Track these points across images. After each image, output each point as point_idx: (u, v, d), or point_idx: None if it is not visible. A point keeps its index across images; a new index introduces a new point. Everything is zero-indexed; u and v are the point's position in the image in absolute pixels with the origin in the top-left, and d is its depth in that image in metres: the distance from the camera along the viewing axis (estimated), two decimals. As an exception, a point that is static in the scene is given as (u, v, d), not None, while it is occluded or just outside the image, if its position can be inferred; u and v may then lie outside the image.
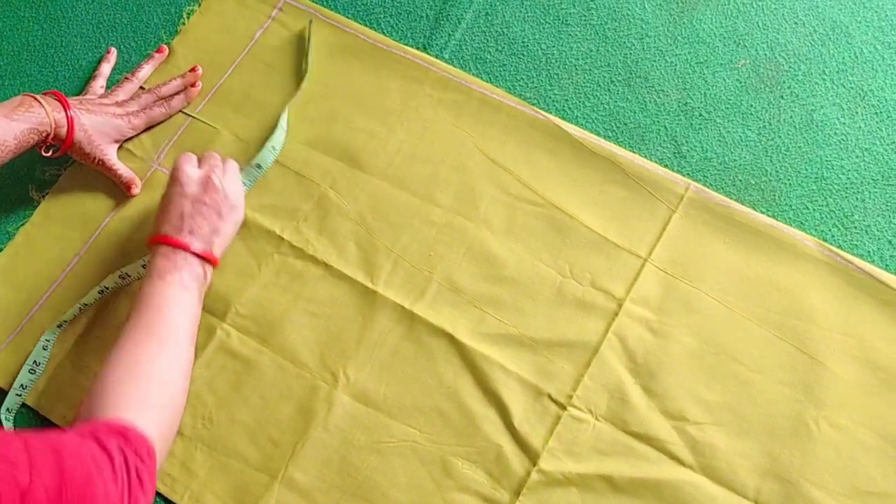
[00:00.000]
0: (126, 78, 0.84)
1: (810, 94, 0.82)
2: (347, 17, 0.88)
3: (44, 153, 0.77)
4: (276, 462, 0.71)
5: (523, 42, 0.86)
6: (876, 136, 0.79)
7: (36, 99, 0.74)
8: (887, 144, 0.79)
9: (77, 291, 0.78)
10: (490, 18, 0.87)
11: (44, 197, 0.83)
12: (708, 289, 0.74)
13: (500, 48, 0.86)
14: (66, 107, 0.76)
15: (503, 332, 0.74)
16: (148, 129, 0.84)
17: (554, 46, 0.86)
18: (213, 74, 0.87)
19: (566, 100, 0.83)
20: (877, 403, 0.70)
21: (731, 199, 0.77)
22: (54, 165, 0.83)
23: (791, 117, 0.81)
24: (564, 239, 0.77)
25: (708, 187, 0.78)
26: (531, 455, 0.70)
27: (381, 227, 0.79)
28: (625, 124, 0.82)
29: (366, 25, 0.88)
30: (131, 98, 0.83)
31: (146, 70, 0.86)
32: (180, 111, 0.85)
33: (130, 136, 0.82)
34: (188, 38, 0.89)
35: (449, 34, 0.87)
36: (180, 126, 0.84)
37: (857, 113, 0.80)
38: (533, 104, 0.83)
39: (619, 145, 0.80)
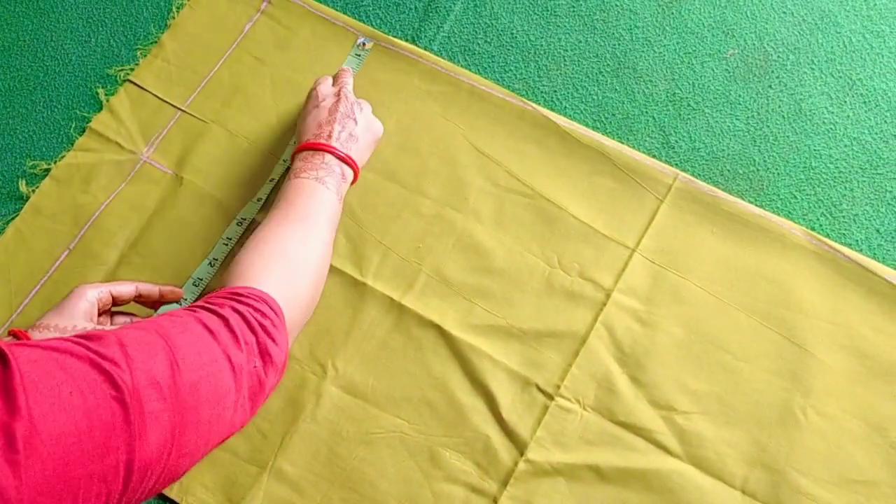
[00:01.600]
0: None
1: (799, 83, 0.81)
2: (336, 10, 0.88)
3: None
4: (264, 454, 0.71)
5: (512, 33, 0.86)
6: (864, 125, 0.79)
7: None
8: (875, 133, 0.79)
9: (67, 286, 0.78)
10: (478, 10, 0.87)
11: (34, 191, 0.83)
12: (696, 278, 0.74)
13: (488, 39, 0.86)
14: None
15: (492, 322, 0.74)
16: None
17: (542, 37, 0.86)
18: (203, 68, 0.87)
19: (555, 91, 0.83)
20: (864, 392, 0.70)
21: (719, 188, 0.77)
22: (44, 160, 0.84)
23: (779, 107, 0.81)
24: (553, 230, 0.77)
25: (696, 177, 0.78)
26: (519, 445, 0.70)
27: (370, 219, 0.79)
28: (613, 115, 0.82)
29: (354, 17, 0.88)
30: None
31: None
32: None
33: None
34: (178, 31, 0.89)
35: (437, 26, 0.87)
36: (170, 120, 0.84)
37: (845, 102, 0.80)
38: (521, 95, 0.83)
39: (608, 136, 0.80)
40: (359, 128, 0.75)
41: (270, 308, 0.56)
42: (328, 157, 0.71)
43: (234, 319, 0.53)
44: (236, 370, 0.51)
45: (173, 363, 0.47)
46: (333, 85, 0.79)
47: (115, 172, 0.82)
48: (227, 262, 0.76)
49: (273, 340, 0.55)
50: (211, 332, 0.51)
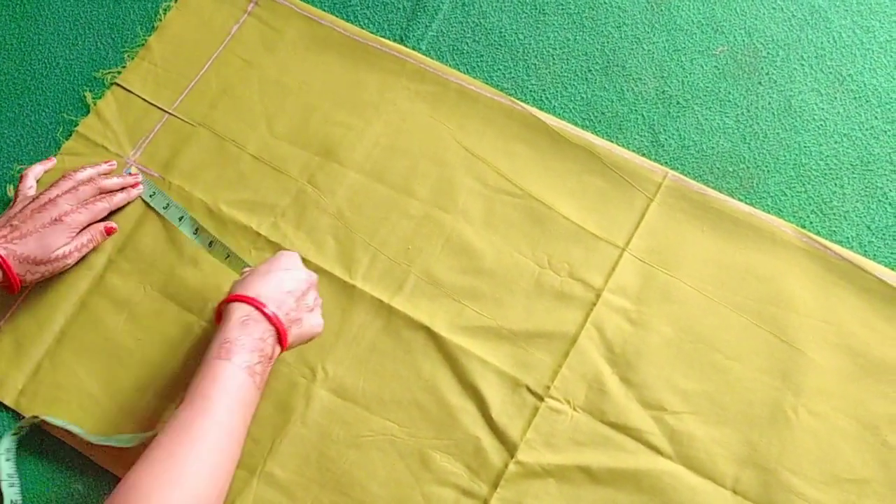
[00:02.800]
0: (63, 176, 0.76)
1: (788, 79, 0.81)
2: (323, 10, 0.88)
3: None
4: (254, 458, 0.71)
5: (500, 32, 0.86)
6: (854, 121, 0.79)
7: None
8: (866, 130, 0.78)
9: (54, 290, 0.77)
10: (466, 9, 0.87)
11: (21, 196, 0.82)
12: (686, 277, 0.74)
13: (476, 39, 0.86)
14: None
15: (481, 324, 0.74)
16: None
17: (531, 36, 0.85)
18: (190, 70, 0.86)
19: (543, 90, 0.83)
20: (855, 390, 0.70)
21: (708, 186, 0.77)
22: (31, 164, 0.83)
23: (769, 104, 0.80)
24: (542, 230, 0.77)
25: (686, 175, 0.78)
26: (509, 447, 0.70)
27: (358, 220, 0.79)
28: (602, 113, 0.81)
29: (341, 18, 0.87)
30: (68, 191, 0.75)
31: (88, 172, 0.78)
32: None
33: (76, 232, 0.74)
34: (165, 34, 0.89)
35: (425, 25, 0.87)
36: (157, 123, 0.84)
37: (835, 98, 0.80)
38: (510, 95, 0.82)
39: (597, 135, 0.80)
40: (309, 319, 0.68)
41: None
42: (264, 324, 0.63)
43: None
44: None
45: None
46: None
47: (102, 176, 0.82)
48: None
49: None
50: None
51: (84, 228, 0.76)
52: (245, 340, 0.62)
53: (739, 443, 0.69)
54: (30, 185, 0.78)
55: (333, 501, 0.69)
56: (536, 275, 0.75)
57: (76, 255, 0.75)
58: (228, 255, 0.77)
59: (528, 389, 0.71)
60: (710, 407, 0.70)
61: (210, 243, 0.77)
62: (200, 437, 0.58)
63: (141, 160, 0.83)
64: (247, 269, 0.74)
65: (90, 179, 0.77)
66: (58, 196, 0.74)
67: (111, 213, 0.79)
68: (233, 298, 0.64)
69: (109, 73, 0.87)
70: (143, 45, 0.88)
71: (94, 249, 0.78)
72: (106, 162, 0.81)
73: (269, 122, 0.83)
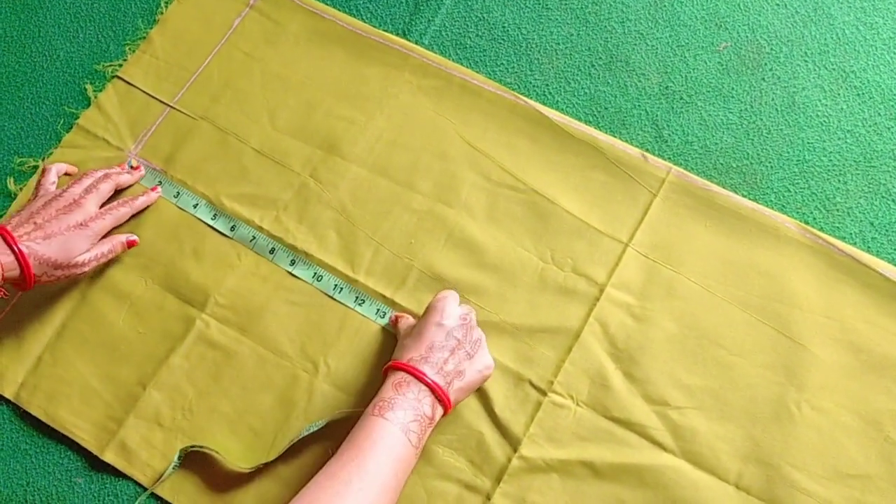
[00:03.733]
0: (85, 174, 0.76)
1: (792, 76, 0.81)
2: (325, 4, 0.87)
3: (4, 295, 0.69)
4: (256, 452, 0.70)
5: (503, 27, 0.85)
6: (858, 117, 0.79)
7: None
8: (869, 126, 0.78)
9: (55, 285, 0.77)
10: (470, 3, 0.87)
11: (21, 189, 0.82)
12: (689, 273, 0.74)
13: (480, 33, 0.85)
14: (12, 243, 0.67)
15: (484, 318, 0.74)
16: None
17: (534, 31, 0.85)
18: (192, 63, 0.86)
19: (547, 85, 0.83)
20: (858, 386, 0.70)
21: (712, 182, 0.77)
22: (32, 157, 0.83)
23: (773, 100, 0.80)
24: (546, 225, 0.77)
25: (689, 171, 0.78)
26: (512, 441, 0.70)
27: (361, 215, 0.78)
28: (606, 109, 0.81)
29: (344, 12, 0.87)
30: (90, 190, 0.74)
31: (107, 172, 0.78)
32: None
33: (98, 238, 0.74)
34: (166, 27, 0.88)
35: (428, 20, 0.86)
36: (159, 116, 0.84)
37: (839, 94, 0.80)
38: (514, 90, 0.82)
39: (601, 130, 0.80)
40: (471, 367, 0.66)
41: None
42: (423, 391, 0.63)
43: None
44: None
45: None
46: (461, 305, 0.70)
47: (104, 169, 0.82)
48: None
49: None
50: None
51: (106, 236, 0.75)
52: (400, 401, 0.62)
53: (742, 438, 0.69)
54: (52, 181, 0.76)
55: (336, 496, 0.69)
56: (539, 270, 0.75)
57: (94, 264, 0.73)
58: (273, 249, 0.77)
59: (532, 384, 0.71)
60: (713, 402, 0.70)
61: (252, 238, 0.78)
62: (345, 483, 0.58)
63: (142, 154, 0.82)
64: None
65: (106, 176, 0.77)
66: (82, 197, 0.73)
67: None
68: (392, 366, 0.65)
69: (110, 65, 0.87)
70: (144, 37, 0.88)
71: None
72: (129, 169, 0.81)
73: (271, 116, 0.83)
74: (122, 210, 0.76)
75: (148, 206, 0.79)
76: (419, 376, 0.63)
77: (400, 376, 0.64)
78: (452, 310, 0.68)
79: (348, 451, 0.60)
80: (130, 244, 0.77)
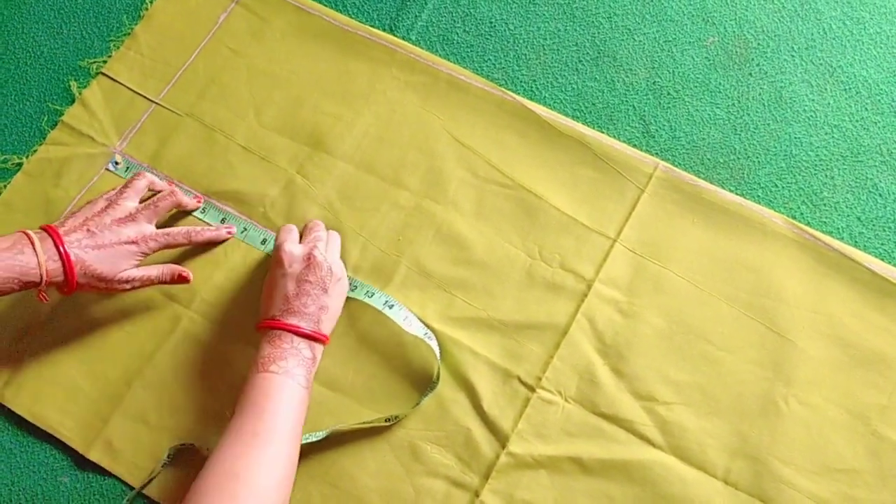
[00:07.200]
0: (138, 175, 0.73)
1: (779, 70, 0.81)
2: None
3: (44, 300, 0.66)
4: (243, 450, 0.70)
5: (490, 22, 0.85)
6: (845, 112, 0.79)
7: (31, 241, 0.64)
8: (856, 121, 0.78)
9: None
10: (457, -1, 0.87)
11: (5, 186, 0.81)
12: (677, 269, 0.74)
13: (467, 29, 0.85)
14: (61, 246, 0.65)
15: (472, 315, 0.74)
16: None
17: (521, 26, 0.85)
18: (177, 60, 0.85)
19: (534, 80, 0.82)
20: (846, 380, 0.70)
21: (699, 177, 0.77)
22: (16, 154, 0.82)
23: (760, 95, 0.80)
24: (533, 221, 0.77)
25: (677, 166, 0.77)
26: (500, 438, 0.69)
27: (348, 211, 0.78)
28: (593, 104, 0.81)
29: (330, 7, 0.87)
30: (149, 207, 0.71)
31: (169, 188, 0.75)
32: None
33: (145, 256, 0.71)
34: (152, 22, 0.88)
35: (415, 15, 0.86)
36: (144, 113, 0.83)
37: (825, 89, 0.80)
38: (501, 85, 0.82)
39: (588, 125, 0.80)
40: (330, 298, 0.69)
41: None
42: (297, 340, 0.66)
43: None
44: None
45: None
46: (301, 242, 0.72)
47: (88, 166, 0.81)
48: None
49: None
50: None
51: (159, 263, 0.73)
52: (279, 353, 0.65)
53: (730, 433, 0.69)
54: (141, 188, 0.73)
55: (323, 493, 0.69)
56: (527, 266, 0.75)
57: (138, 285, 0.71)
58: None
59: (520, 380, 0.71)
60: (701, 398, 0.70)
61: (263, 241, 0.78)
62: (252, 434, 0.61)
63: (128, 150, 0.82)
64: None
65: (172, 193, 0.74)
66: (138, 211, 0.70)
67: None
68: (261, 327, 0.67)
69: (95, 62, 0.86)
70: (129, 34, 0.87)
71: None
72: (195, 198, 0.79)
73: (257, 112, 0.82)
74: (179, 237, 0.73)
75: (212, 242, 0.77)
76: (289, 329, 0.66)
77: (272, 333, 0.66)
78: (295, 254, 0.69)
79: (248, 407, 0.62)
80: (181, 279, 0.74)
